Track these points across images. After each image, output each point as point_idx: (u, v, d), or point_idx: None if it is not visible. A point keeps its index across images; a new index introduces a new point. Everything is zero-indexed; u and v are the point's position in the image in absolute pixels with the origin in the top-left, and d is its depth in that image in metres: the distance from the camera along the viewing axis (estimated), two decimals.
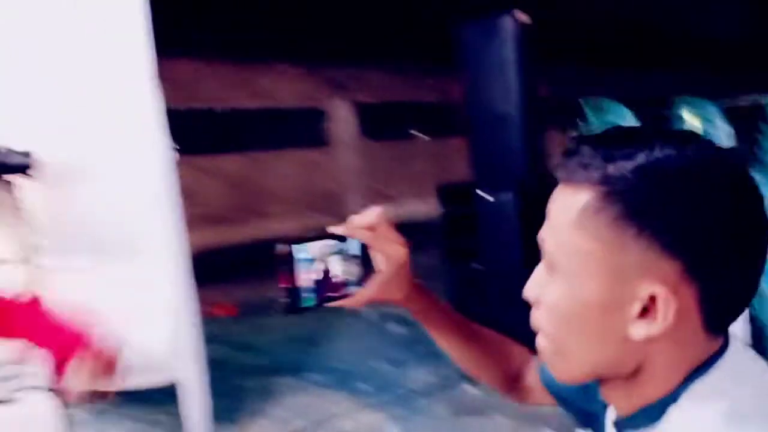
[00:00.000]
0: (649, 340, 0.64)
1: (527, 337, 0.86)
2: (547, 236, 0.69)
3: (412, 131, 12.58)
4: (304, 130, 11.44)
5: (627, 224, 0.62)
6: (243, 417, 3.96)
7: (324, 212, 11.46)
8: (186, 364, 3.48)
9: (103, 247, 3.47)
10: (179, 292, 3.47)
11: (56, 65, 3.43)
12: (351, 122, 12.07)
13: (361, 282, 0.93)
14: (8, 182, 3.44)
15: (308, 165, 11.48)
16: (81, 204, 3.56)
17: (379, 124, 12.03)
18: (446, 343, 0.99)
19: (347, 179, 12.03)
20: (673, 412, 0.65)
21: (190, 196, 10.46)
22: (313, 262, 0.90)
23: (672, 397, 0.65)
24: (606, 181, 0.62)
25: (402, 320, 5.69)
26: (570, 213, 0.65)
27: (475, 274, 4.29)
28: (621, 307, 0.64)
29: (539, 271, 0.72)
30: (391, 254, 0.92)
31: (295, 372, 4.61)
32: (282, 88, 11.05)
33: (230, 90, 10.44)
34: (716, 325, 0.66)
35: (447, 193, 4.55)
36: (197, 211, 10.08)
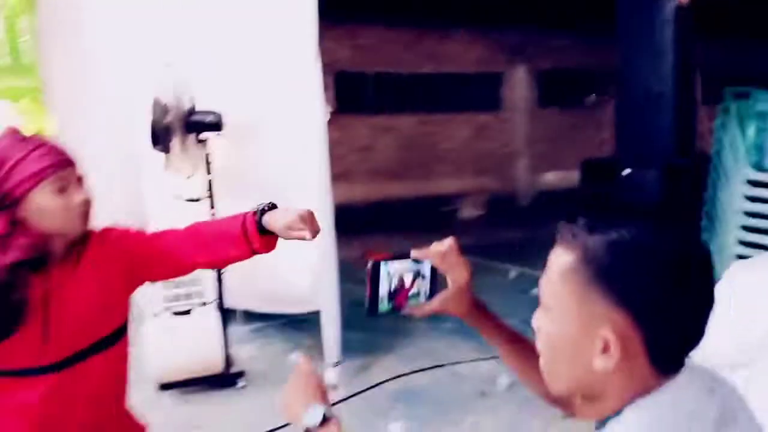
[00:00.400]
0: (607, 371, 0.83)
1: None
2: (544, 282, 0.89)
3: (589, 98, 12.27)
4: (478, 94, 11.64)
5: (595, 284, 0.82)
6: (376, 351, 4.49)
7: (491, 175, 11.68)
8: (326, 298, 4.05)
9: (265, 192, 4.11)
10: (323, 238, 4.00)
11: (237, 40, 4.07)
12: (527, 88, 12.05)
13: (429, 296, 1.16)
14: (203, 138, 4.17)
15: (480, 128, 11.70)
16: (251, 156, 4.24)
17: (555, 90, 11.89)
18: (499, 351, 1.20)
19: (517, 144, 12.09)
20: (613, 422, 0.85)
21: (366, 151, 11.22)
22: (392, 276, 1.12)
23: (619, 413, 0.85)
24: (585, 249, 0.83)
25: None
26: (559, 267, 0.86)
27: None
28: (588, 344, 0.83)
29: (540, 307, 0.91)
30: (455, 278, 1.16)
31: (431, 318, 5.03)
32: (459, 54, 11.30)
33: (410, 55, 10.90)
34: (663, 363, 0.84)
35: (590, 168, 4.65)
36: (371, 165, 10.84)
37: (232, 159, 4.26)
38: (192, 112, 4.13)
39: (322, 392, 1.10)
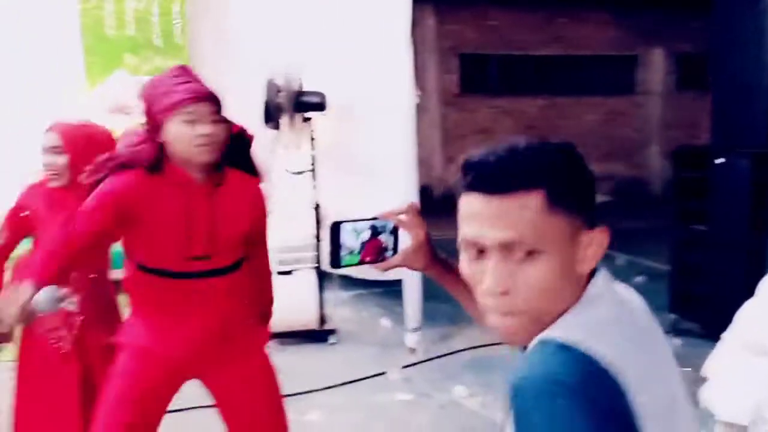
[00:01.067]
0: (587, 271, 0.89)
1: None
2: (515, 230, 0.87)
3: None
4: (610, 77, 11.32)
5: (556, 205, 0.86)
6: (460, 321, 4.73)
7: (622, 161, 11.34)
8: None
9: (360, 168, 4.47)
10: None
11: (339, 27, 4.44)
12: (665, 71, 11.54)
13: (393, 252, 1.26)
14: (308, 117, 4.60)
15: (611, 112, 11.39)
16: (349, 135, 4.61)
17: (694, 74, 11.32)
18: (460, 300, 1.28)
19: (651, 129, 11.65)
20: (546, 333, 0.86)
21: (487, 133, 11.32)
22: (360, 233, 1.23)
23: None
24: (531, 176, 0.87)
25: (648, 274, 5.84)
26: (528, 206, 0.88)
27: (701, 235, 4.36)
28: (573, 263, 0.88)
29: (507, 265, 0.87)
30: (414, 235, 1.24)
31: None
32: (591, 36, 11.04)
33: (539, 37, 10.81)
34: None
35: (681, 156, 4.60)
36: None
37: (332, 136, 4.66)
38: (300, 93, 4.57)
39: None
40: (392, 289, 5.12)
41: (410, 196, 4.27)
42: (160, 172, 1.86)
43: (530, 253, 0.85)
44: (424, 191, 10.45)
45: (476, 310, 1.20)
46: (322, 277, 4.65)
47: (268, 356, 2.11)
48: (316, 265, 4.63)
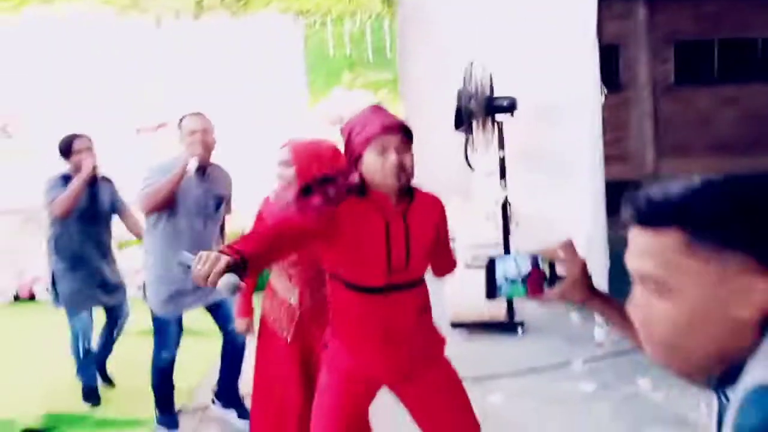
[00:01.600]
0: (752, 317, 0.83)
1: None
2: (653, 268, 0.89)
3: None
4: None
5: (706, 241, 0.84)
6: None
7: None
8: (597, 268, 4.42)
9: (548, 168, 4.64)
10: (595, 215, 4.34)
11: (526, 35, 4.64)
12: None
13: (550, 284, 1.32)
14: (498, 120, 4.88)
15: None
16: (537, 136, 4.80)
17: None
18: (619, 328, 1.30)
19: None
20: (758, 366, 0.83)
21: (706, 124, 10.68)
22: (521, 266, 1.32)
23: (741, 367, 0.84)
24: (684, 220, 0.86)
25: None
26: (667, 245, 0.88)
27: None
28: (726, 300, 0.84)
29: (644, 300, 0.92)
30: (572, 269, 1.30)
31: None
32: None
33: (760, 18, 9.88)
34: None
35: None
36: (711, 139, 10.20)
37: (521, 138, 4.88)
38: (491, 98, 4.86)
39: None
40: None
41: (597, 194, 4.37)
42: (365, 196, 2.04)
43: (663, 288, 0.87)
44: (635, 186, 10.12)
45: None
46: None
47: (449, 361, 2.27)
48: None
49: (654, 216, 0.87)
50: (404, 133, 2.01)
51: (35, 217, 5.96)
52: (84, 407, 3.87)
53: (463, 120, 4.91)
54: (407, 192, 2.09)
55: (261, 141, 6.54)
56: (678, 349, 0.88)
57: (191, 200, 3.26)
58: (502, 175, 4.94)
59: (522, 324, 4.86)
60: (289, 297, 2.76)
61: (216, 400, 3.66)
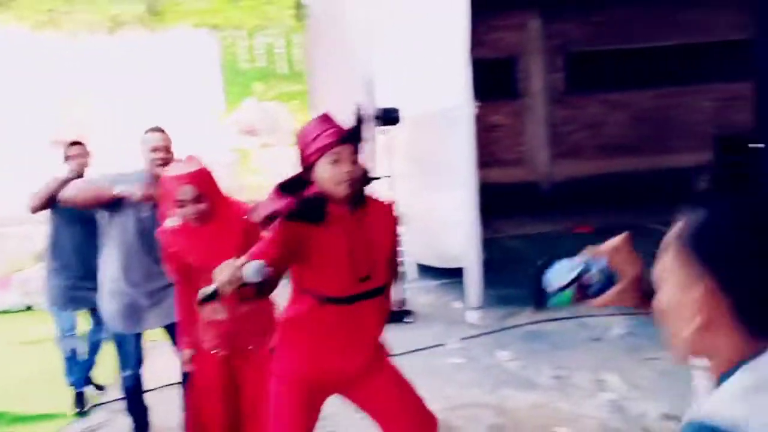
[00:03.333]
0: (700, 332, 0.90)
1: None
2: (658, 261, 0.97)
3: None
4: (725, 64, 11.07)
5: (689, 249, 0.92)
6: (526, 304, 5.33)
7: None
8: (469, 259, 5.07)
9: (428, 173, 5.24)
10: (469, 211, 4.97)
11: (406, 48, 5.23)
12: None
13: (604, 289, 1.24)
14: (386, 129, 5.45)
15: (728, 99, 11.13)
16: (418, 143, 5.39)
17: None
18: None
19: None
20: (721, 389, 0.88)
21: (595, 127, 11.57)
22: (571, 271, 1.24)
23: (726, 375, 0.89)
24: (686, 221, 0.95)
25: None
26: (667, 240, 0.97)
27: None
28: (690, 307, 0.91)
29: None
30: (626, 272, 1.23)
31: None
32: (700, 23, 10.88)
33: (645, 28, 10.80)
34: (756, 328, 0.88)
35: (722, 142, 4.90)
36: (600, 141, 11.12)
37: (405, 145, 5.47)
38: (381, 109, 5.42)
39: None
40: (452, 273, 5.84)
41: (470, 193, 4.99)
42: (326, 219, 2.06)
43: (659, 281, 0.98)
44: (531, 187, 10.93)
45: None
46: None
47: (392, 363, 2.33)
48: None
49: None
50: (354, 144, 2.08)
51: None
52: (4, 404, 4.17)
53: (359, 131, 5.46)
54: (360, 200, 2.13)
55: (180, 153, 6.91)
56: (672, 338, 0.97)
57: (144, 221, 3.11)
58: (390, 179, 5.51)
59: (410, 312, 5.43)
60: (217, 314, 2.70)
61: None
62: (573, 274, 1.23)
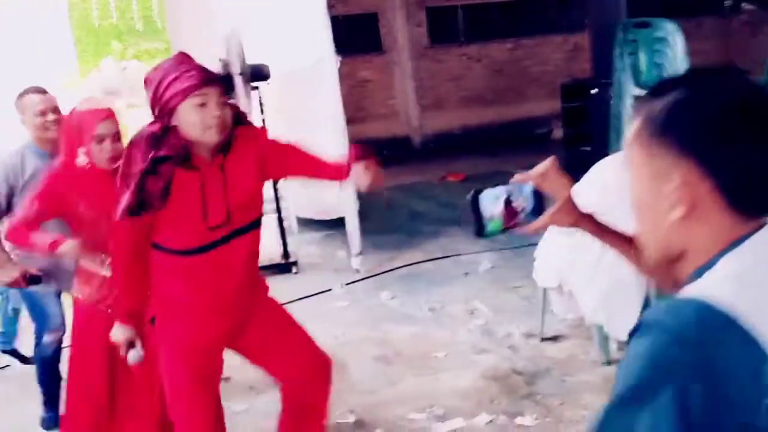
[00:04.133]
0: (682, 223, 0.84)
1: None
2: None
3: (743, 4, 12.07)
4: (569, 16, 11.86)
5: (657, 139, 0.84)
6: (403, 247, 5.71)
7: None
8: (347, 208, 5.30)
9: (300, 128, 5.36)
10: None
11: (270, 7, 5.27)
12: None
13: (536, 214, 1.23)
14: (255, 86, 5.46)
15: (573, 50, 11.97)
16: (288, 99, 5.49)
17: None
18: (609, 246, 1.27)
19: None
20: (705, 276, 0.82)
21: (458, 80, 12.06)
22: (497, 199, 1.22)
23: (705, 268, 0.83)
24: (647, 111, 0.87)
25: None
26: (630, 134, 0.90)
27: (586, 156, 5.22)
28: (661, 201, 0.84)
29: None
30: (558, 193, 1.23)
31: (461, 224, 5.93)
32: None
33: None
34: (744, 207, 0.83)
35: (567, 89, 5.41)
36: (463, 93, 11.65)
37: (275, 101, 5.55)
38: (250, 66, 5.43)
39: None
40: (331, 223, 6.07)
41: (341, 146, 5.15)
42: (188, 163, 1.93)
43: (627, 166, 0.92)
44: (404, 141, 11.32)
45: (632, 259, 1.21)
46: (282, 221, 5.60)
47: (275, 301, 2.28)
48: (277, 212, 5.57)
49: (638, 107, 0.93)
50: (221, 86, 1.94)
51: None
52: None
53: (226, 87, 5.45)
54: (225, 146, 1.98)
55: None
56: (642, 237, 0.92)
57: None
58: None
59: (296, 263, 5.60)
60: (104, 270, 2.48)
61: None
62: (500, 202, 1.23)
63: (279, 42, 5.38)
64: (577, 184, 3.55)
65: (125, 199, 1.90)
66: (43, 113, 2.87)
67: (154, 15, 8.71)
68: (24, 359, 3.94)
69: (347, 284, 5.08)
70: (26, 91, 2.97)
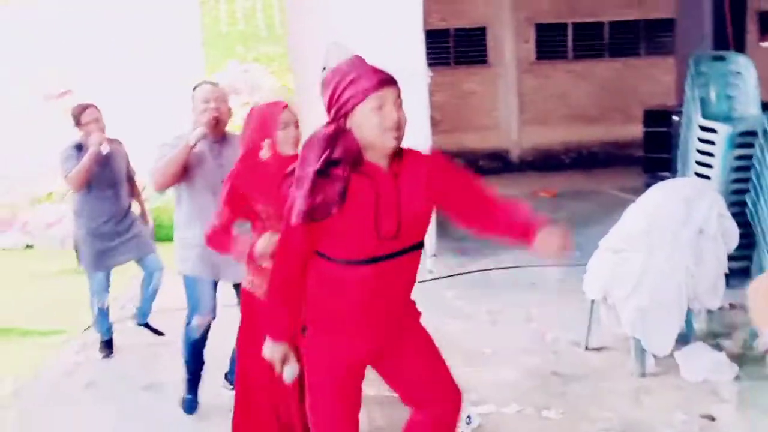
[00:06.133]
0: None
1: None
2: None
3: None
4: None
5: None
6: (474, 255, 6.02)
7: None
8: None
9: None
10: None
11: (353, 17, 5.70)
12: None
13: None
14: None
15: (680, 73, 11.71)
16: None
17: None
18: None
19: None
20: None
21: (562, 96, 12.23)
22: None
23: None
24: None
25: None
26: None
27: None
28: None
29: None
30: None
31: None
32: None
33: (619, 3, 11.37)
34: None
35: (651, 115, 5.53)
36: (566, 110, 11.71)
37: None
38: None
39: None
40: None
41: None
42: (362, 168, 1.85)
43: None
44: (502, 153, 11.54)
45: None
46: None
47: (424, 329, 2.18)
48: None
49: None
50: (398, 87, 1.86)
51: None
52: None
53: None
54: (397, 152, 1.90)
55: (161, 113, 7.41)
56: None
57: (208, 173, 3.13)
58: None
59: None
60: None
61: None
62: None
63: (374, 54, 5.82)
64: (632, 204, 3.81)
65: (301, 203, 1.83)
66: (206, 101, 3.11)
67: (276, 22, 9.46)
68: (156, 332, 4.37)
69: (419, 283, 5.44)
70: (201, 83, 3.26)
